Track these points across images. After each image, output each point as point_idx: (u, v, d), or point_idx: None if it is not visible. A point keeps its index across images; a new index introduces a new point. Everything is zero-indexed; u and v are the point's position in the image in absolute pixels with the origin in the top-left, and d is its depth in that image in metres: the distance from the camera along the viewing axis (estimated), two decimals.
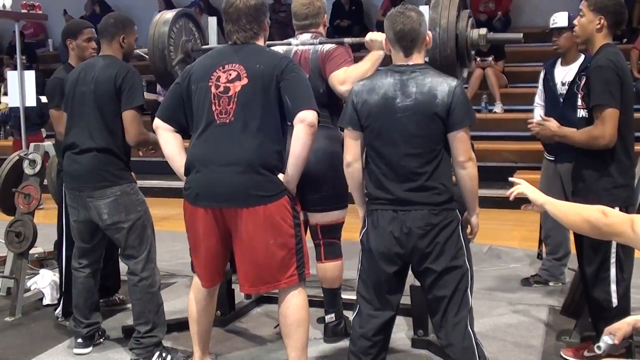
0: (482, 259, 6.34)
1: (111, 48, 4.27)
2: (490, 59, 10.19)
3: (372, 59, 4.06)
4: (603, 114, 3.65)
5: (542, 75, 5.27)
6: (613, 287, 3.80)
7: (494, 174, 9.01)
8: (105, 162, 4.11)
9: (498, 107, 10.12)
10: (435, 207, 3.20)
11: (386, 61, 3.92)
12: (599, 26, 3.76)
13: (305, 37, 4.29)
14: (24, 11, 6.12)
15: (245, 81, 3.47)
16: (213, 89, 3.51)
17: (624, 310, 3.76)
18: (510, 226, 7.52)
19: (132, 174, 4.29)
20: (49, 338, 4.68)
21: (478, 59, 10.21)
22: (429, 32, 3.38)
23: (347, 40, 4.25)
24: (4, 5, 6.03)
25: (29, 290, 5.30)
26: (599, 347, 2.52)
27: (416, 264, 3.28)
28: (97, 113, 4.11)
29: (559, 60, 5.11)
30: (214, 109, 3.49)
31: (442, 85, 3.19)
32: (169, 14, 4.57)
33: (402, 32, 3.23)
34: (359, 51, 5.93)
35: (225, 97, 3.48)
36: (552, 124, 4.03)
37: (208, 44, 4.68)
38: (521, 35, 4.01)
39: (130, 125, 4.10)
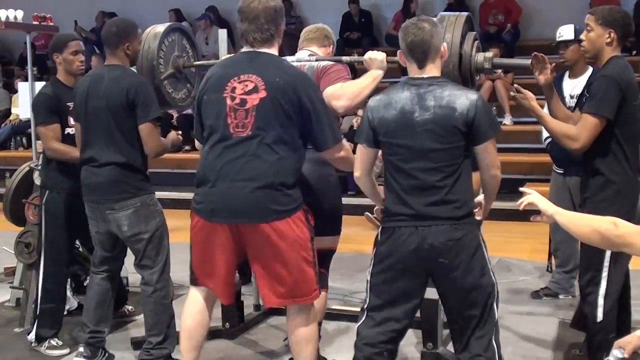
0: None
1: (117, 57, 4.19)
2: (499, 71, 10.20)
3: (371, 77, 3.92)
4: (586, 120, 3.65)
5: None
6: (600, 301, 3.76)
7: (504, 186, 8.89)
8: (125, 175, 4.09)
9: (507, 119, 10.12)
10: (456, 222, 3.16)
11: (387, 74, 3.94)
12: (609, 40, 3.72)
13: (303, 54, 4.18)
14: (35, 23, 6.15)
15: (263, 94, 3.38)
16: (228, 101, 3.41)
17: (607, 327, 3.77)
18: (520, 238, 7.50)
19: (150, 184, 4.28)
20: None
21: (532, 61, 10.22)
22: (444, 44, 3.34)
23: (345, 58, 4.14)
24: (15, 17, 6.05)
25: None
26: None
27: (440, 280, 3.25)
28: (114, 127, 4.07)
29: (567, 73, 5.10)
30: (229, 121, 3.40)
31: (461, 99, 3.15)
32: (161, 27, 4.51)
33: (414, 43, 3.21)
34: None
35: (242, 110, 3.39)
36: (533, 96, 3.91)
37: (200, 61, 4.67)
38: (529, 61, 3.93)
39: (148, 138, 4.07)
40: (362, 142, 3.33)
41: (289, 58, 4.05)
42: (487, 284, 3.22)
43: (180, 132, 4.66)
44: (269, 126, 3.36)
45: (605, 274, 3.74)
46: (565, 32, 4.89)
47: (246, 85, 3.41)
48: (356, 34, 12.33)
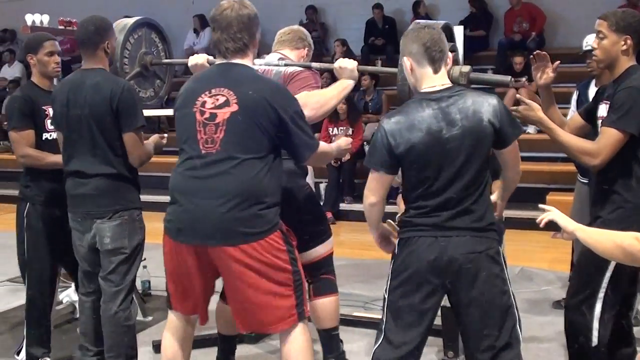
0: (514, 281, 6.19)
1: (96, 58, 3.90)
2: (523, 79, 10.14)
3: (340, 87, 3.71)
4: (609, 134, 3.36)
5: (575, 96, 5.22)
6: (595, 324, 3.47)
7: (526, 195, 8.91)
8: (116, 186, 3.89)
9: (531, 128, 10.04)
10: (478, 233, 3.04)
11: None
12: (624, 47, 3.44)
13: (272, 57, 3.94)
14: (60, 27, 6.18)
15: (235, 108, 3.17)
16: (198, 116, 3.22)
17: (603, 352, 3.51)
18: (542, 248, 7.46)
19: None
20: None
21: (512, 78, 10.17)
22: (450, 53, 3.19)
23: (315, 65, 3.88)
24: (41, 22, 6.09)
25: (60, 303, 5.33)
26: None
27: (457, 296, 3.10)
28: (99, 137, 3.82)
29: (593, 82, 5.06)
30: (199, 137, 3.20)
31: (485, 106, 3.03)
32: (127, 21, 4.21)
33: (432, 40, 3.05)
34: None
35: (212, 124, 3.18)
36: (538, 107, 3.62)
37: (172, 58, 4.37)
38: (509, 78, 3.62)
39: (133, 148, 3.86)
40: (380, 169, 3.14)
41: (257, 61, 3.78)
42: (507, 304, 3.10)
43: (166, 133, 4.40)
44: (240, 141, 3.16)
45: (601, 294, 3.45)
46: (592, 41, 4.83)
47: (217, 99, 3.22)
48: (381, 40, 12.32)
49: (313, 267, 3.86)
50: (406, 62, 3.15)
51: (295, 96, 3.51)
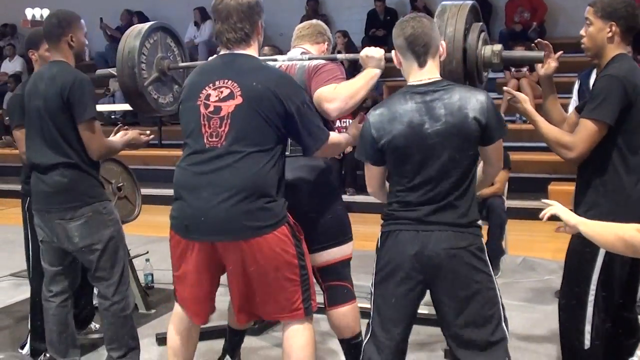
0: (516, 271, 6.30)
1: (60, 51, 3.84)
2: (525, 69, 10.16)
3: (367, 76, 3.55)
4: (584, 125, 3.25)
5: (576, 85, 5.22)
6: (587, 327, 3.36)
7: (529, 185, 8.97)
8: (73, 181, 3.78)
9: None
10: (460, 229, 2.97)
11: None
12: (610, 34, 3.30)
13: (295, 52, 3.85)
14: None
15: (239, 100, 3.12)
16: (202, 109, 3.17)
17: (596, 355, 3.41)
18: (545, 238, 7.42)
19: (105, 190, 4.00)
20: (82, 345, 4.70)
21: (513, 69, 10.20)
22: (442, 42, 3.10)
23: (340, 56, 3.78)
24: (41, 16, 6.13)
25: None
26: None
27: (438, 292, 3.04)
28: (54, 130, 3.75)
29: (594, 71, 5.06)
30: (203, 131, 3.15)
31: (472, 102, 2.94)
32: (141, 27, 4.14)
33: (414, 35, 2.97)
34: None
35: (217, 118, 3.13)
36: (526, 98, 3.53)
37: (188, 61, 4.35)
38: (542, 54, 3.57)
39: (88, 140, 3.75)
40: (366, 161, 3.14)
41: (280, 57, 3.79)
42: (491, 300, 3.01)
43: (148, 131, 4.32)
44: (245, 134, 3.12)
45: (591, 297, 3.34)
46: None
47: (221, 92, 3.17)
48: (382, 31, 12.29)
49: (328, 272, 3.71)
50: (393, 55, 3.15)
51: (324, 88, 3.48)
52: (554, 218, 2.82)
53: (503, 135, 3.08)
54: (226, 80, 3.19)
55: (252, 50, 3.31)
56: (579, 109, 3.56)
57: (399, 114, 2.99)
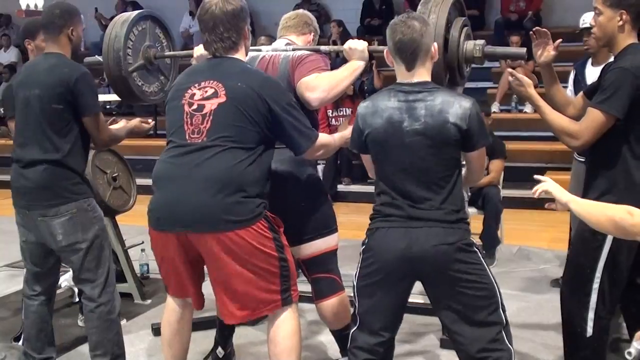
0: (512, 260, 6.31)
1: (58, 43, 3.78)
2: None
3: (350, 68, 3.61)
4: (592, 115, 3.24)
5: (572, 75, 5.22)
6: (590, 314, 3.34)
7: (524, 174, 8.92)
8: (57, 176, 3.68)
9: (528, 107, 10.06)
10: (449, 225, 2.98)
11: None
12: (620, 23, 3.26)
13: (279, 43, 3.85)
14: None
15: (223, 99, 3.16)
16: (186, 107, 3.21)
17: (598, 343, 3.40)
18: (540, 227, 7.46)
19: (89, 187, 3.88)
20: (78, 335, 4.70)
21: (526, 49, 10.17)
22: (435, 44, 3.10)
23: (323, 48, 3.77)
24: (36, 6, 6.10)
25: (59, 287, 5.34)
26: (629, 353, 2.49)
27: (431, 287, 3.07)
28: (45, 120, 3.65)
29: (590, 61, 5.06)
30: (185, 128, 3.18)
31: (454, 107, 2.95)
32: (130, 14, 4.14)
33: (401, 42, 2.98)
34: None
35: (199, 115, 3.17)
36: (530, 82, 3.52)
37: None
38: (524, 50, 3.61)
39: (95, 132, 3.74)
40: (357, 151, 3.21)
41: (264, 47, 3.82)
42: (487, 289, 3.01)
43: (150, 120, 4.31)
44: (226, 131, 3.13)
45: (596, 285, 3.32)
46: (589, 19, 4.81)
47: (205, 91, 3.22)
48: (377, 21, 12.24)
49: (314, 263, 3.72)
50: (385, 54, 3.16)
51: (305, 79, 3.50)
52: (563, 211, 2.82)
53: (484, 144, 3.09)
54: (211, 81, 3.23)
55: (239, 55, 3.35)
56: (587, 93, 3.57)
57: (381, 109, 3.04)
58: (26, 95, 3.72)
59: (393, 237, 3.00)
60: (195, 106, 3.20)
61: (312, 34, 3.99)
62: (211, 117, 3.16)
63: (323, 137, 3.46)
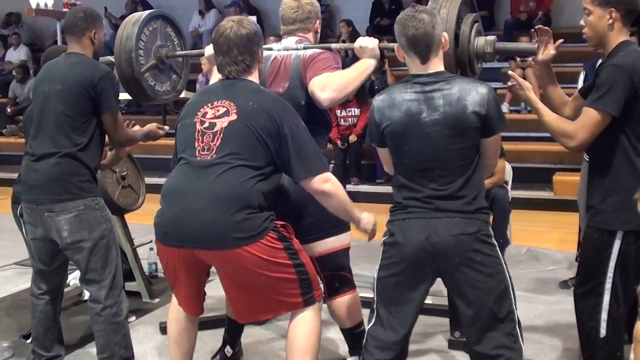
0: (521, 261, 6.29)
1: (81, 45, 3.80)
2: (530, 59, 10.11)
3: (361, 67, 3.59)
4: (587, 114, 3.21)
5: (582, 76, 5.21)
6: (604, 315, 3.31)
7: (533, 176, 8.96)
8: (68, 172, 3.66)
9: None
10: (468, 215, 3.01)
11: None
12: (610, 21, 3.23)
13: (290, 41, 3.78)
14: (65, 10, 6.18)
15: (234, 117, 3.18)
16: (198, 125, 3.23)
17: (613, 343, 3.36)
18: (549, 228, 7.44)
19: (98, 186, 3.86)
20: (87, 334, 4.69)
21: (518, 59, 10.16)
22: (445, 34, 3.12)
23: (334, 45, 3.80)
24: (46, 5, 6.10)
25: (68, 285, 5.35)
26: None
27: (449, 279, 3.09)
28: (62, 114, 3.66)
29: (600, 61, 5.03)
30: (196, 145, 3.19)
31: (472, 94, 2.98)
32: (141, 14, 4.16)
33: (415, 37, 2.99)
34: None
35: (210, 133, 3.18)
36: (530, 86, 3.51)
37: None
38: (535, 45, 3.60)
39: (114, 128, 3.75)
40: (375, 144, 3.22)
41: (274, 46, 3.79)
42: (501, 283, 3.05)
43: (167, 127, 4.32)
44: (236, 149, 3.13)
45: (608, 285, 3.30)
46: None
47: (217, 110, 3.24)
48: (387, 20, 12.23)
49: (327, 261, 3.70)
50: (396, 50, 3.17)
51: (317, 78, 3.50)
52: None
53: (502, 128, 3.09)
54: (224, 101, 3.26)
55: (253, 77, 3.37)
56: (582, 92, 3.55)
57: (398, 102, 3.05)
58: (46, 91, 3.73)
59: (414, 228, 3.03)
60: (206, 124, 3.22)
61: (317, 21, 3.90)
62: (222, 135, 3.17)
63: (338, 187, 3.35)
